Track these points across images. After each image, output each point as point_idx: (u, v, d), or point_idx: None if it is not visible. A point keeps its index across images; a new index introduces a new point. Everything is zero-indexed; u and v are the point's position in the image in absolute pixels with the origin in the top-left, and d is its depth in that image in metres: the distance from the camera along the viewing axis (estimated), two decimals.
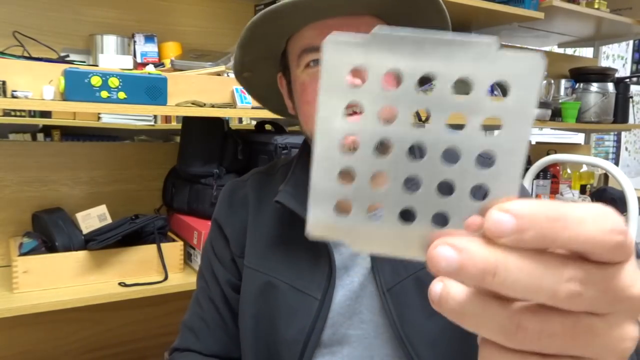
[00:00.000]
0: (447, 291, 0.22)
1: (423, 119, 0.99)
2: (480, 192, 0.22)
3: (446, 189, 0.22)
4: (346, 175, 0.22)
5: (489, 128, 0.22)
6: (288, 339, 0.74)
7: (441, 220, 0.22)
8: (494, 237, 0.20)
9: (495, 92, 2.05)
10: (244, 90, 0.99)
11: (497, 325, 0.21)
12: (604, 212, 0.20)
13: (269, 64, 0.78)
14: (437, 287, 0.22)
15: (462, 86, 0.23)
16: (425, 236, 0.22)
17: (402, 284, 0.70)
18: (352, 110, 0.23)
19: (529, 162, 2.36)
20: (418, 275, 0.70)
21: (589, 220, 0.20)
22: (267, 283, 0.76)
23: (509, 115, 0.21)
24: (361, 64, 0.21)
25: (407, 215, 0.22)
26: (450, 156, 0.22)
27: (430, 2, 0.68)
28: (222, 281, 0.83)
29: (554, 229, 0.20)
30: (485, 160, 0.22)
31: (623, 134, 4.89)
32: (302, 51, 0.70)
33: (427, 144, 0.22)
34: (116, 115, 1.23)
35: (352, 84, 0.22)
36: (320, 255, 0.74)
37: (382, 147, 0.23)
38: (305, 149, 0.82)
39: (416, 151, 0.22)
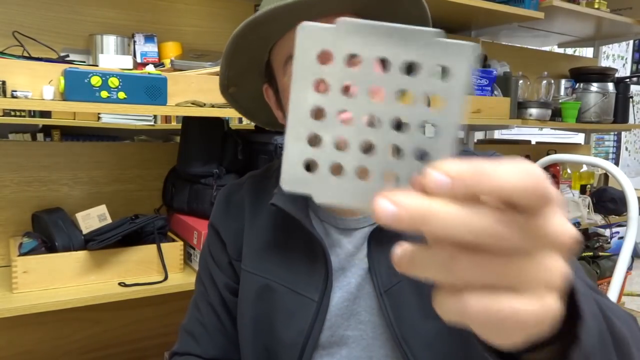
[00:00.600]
0: (402, 249, 0.26)
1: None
2: (423, 156, 0.26)
3: (397, 152, 0.27)
4: (313, 139, 0.27)
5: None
6: (286, 341, 0.74)
7: (392, 178, 0.27)
8: (432, 191, 0.24)
9: (496, 92, 2.05)
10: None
11: (438, 263, 0.25)
12: (524, 166, 0.24)
13: (254, 76, 0.78)
14: (396, 249, 0.27)
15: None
16: (377, 192, 0.26)
17: (399, 285, 0.70)
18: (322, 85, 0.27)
19: None
20: (415, 277, 0.70)
21: (509, 172, 0.24)
22: (264, 286, 0.76)
23: (447, 93, 0.26)
24: (327, 48, 0.26)
25: (364, 174, 0.27)
26: (400, 126, 0.27)
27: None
28: (220, 285, 0.83)
29: (479, 181, 0.24)
30: (429, 127, 0.26)
31: (623, 134, 4.89)
32: (287, 58, 0.69)
33: (381, 115, 0.26)
34: (116, 115, 1.23)
35: (320, 64, 0.26)
36: (317, 257, 0.74)
37: (345, 117, 0.27)
38: None
39: (373, 120, 0.27)
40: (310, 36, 0.26)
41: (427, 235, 0.25)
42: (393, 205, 0.25)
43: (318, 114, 0.27)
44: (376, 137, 0.27)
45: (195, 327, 0.85)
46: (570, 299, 0.37)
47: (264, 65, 0.75)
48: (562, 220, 0.26)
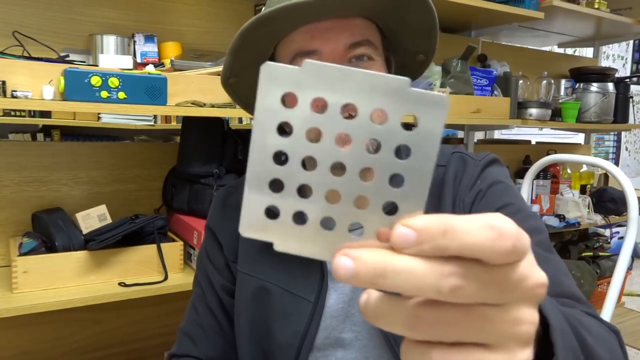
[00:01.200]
0: (367, 298, 0.26)
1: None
2: (392, 208, 0.25)
3: (363, 203, 0.26)
4: (276, 184, 0.25)
5: (400, 152, 0.25)
6: (282, 343, 0.74)
7: (357, 229, 0.26)
8: (396, 246, 0.24)
9: (496, 92, 2.05)
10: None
11: (402, 320, 0.25)
12: (491, 222, 0.23)
13: (256, 70, 0.77)
14: (362, 297, 0.26)
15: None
16: (341, 243, 0.25)
17: None
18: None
19: (529, 162, 2.36)
20: None
21: (475, 231, 0.23)
22: (260, 287, 0.77)
23: (417, 143, 0.25)
24: (292, 90, 0.25)
25: (328, 223, 0.26)
26: (367, 174, 0.25)
27: (419, 3, 0.67)
28: (217, 287, 0.84)
29: (445, 240, 0.23)
30: (398, 179, 0.25)
31: (623, 134, 4.89)
32: (294, 55, 0.69)
33: (347, 163, 0.25)
34: (116, 115, 1.23)
35: (283, 107, 0.25)
36: (312, 259, 0.73)
37: (309, 162, 0.26)
38: None
39: (340, 168, 0.26)
40: (274, 77, 0.25)
41: (389, 290, 0.24)
42: (352, 261, 0.24)
43: (280, 158, 0.25)
44: (342, 186, 0.25)
45: (193, 328, 0.85)
46: (545, 332, 0.36)
47: (268, 60, 0.75)
48: (531, 269, 0.25)
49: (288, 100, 0.25)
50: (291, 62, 0.69)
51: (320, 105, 0.25)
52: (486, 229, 0.23)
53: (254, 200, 0.26)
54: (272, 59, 0.74)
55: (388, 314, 0.25)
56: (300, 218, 0.26)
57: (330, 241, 0.26)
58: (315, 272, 0.74)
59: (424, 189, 0.25)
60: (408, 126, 0.25)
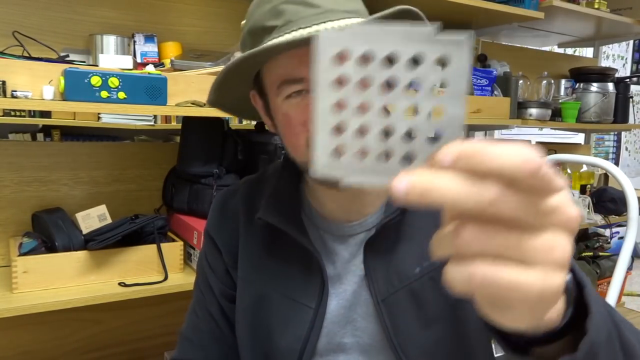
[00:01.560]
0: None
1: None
2: (436, 139, 0.30)
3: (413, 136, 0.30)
4: (338, 129, 0.30)
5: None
6: (284, 348, 0.74)
7: (410, 160, 0.31)
8: (439, 167, 0.28)
9: (496, 92, 2.05)
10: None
11: (449, 236, 0.28)
12: (522, 149, 0.26)
13: (240, 85, 0.74)
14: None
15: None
16: (396, 172, 0.29)
17: (396, 295, 0.70)
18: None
19: None
20: (412, 287, 0.70)
21: (506, 153, 0.26)
22: (260, 293, 0.76)
23: (450, 80, 0.29)
24: (343, 49, 0.29)
25: (385, 157, 0.30)
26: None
27: (409, 16, 0.64)
28: (217, 292, 0.83)
29: (479, 159, 0.27)
30: (438, 112, 0.30)
31: (623, 134, 4.89)
32: (282, 82, 0.65)
33: (396, 104, 0.30)
34: (116, 115, 1.23)
35: (338, 64, 0.29)
36: (312, 266, 0.73)
37: (363, 107, 0.30)
38: (288, 163, 0.79)
39: (390, 109, 0.30)
40: (328, 41, 0.29)
41: (435, 205, 0.27)
42: (406, 181, 0.28)
43: (340, 107, 0.30)
44: (394, 124, 0.30)
45: (194, 333, 0.85)
46: (580, 296, 0.38)
47: (253, 75, 0.72)
48: (567, 201, 0.28)
49: (340, 58, 0.29)
50: (278, 88, 0.66)
51: (367, 59, 0.29)
52: (515, 152, 0.26)
53: (323, 144, 0.30)
54: (258, 74, 0.71)
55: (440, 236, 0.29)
56: (361, 154, 0.30)
57: (387, 171, 0.30)
58: (316, 277, 0.73)
59: (460, 119, 0.30)
60: (441, 64, 0.29)
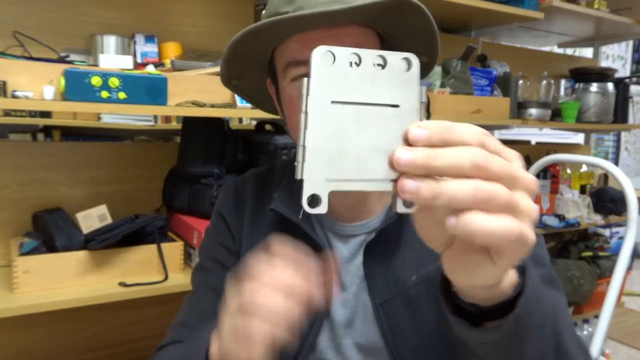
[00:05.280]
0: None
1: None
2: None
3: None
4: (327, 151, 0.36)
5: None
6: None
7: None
8: (415, 142, 0.35)
9: (495, 92, 2.05)
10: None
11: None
12: (476, 128, 0.35)
13: (257, 71, 0.77)
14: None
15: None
16: (385, 166, 0.36)
17: (395, 299, 0.71)
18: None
19: (529, 162, 2.36)
20: (408, 294, 0.70)
21: (465, 128, 0.35)
22: None
23: (405, 80, 0.37)
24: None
25: (370, 160, 0.36)
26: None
27: (414, 10, 0.65)
28: (230, 265, 0.80)
29: (446, 134, 0.34)
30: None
31: (623, 134, 4.89)
32: (287, 64, 0.68)
33: (368, 113, 0.36)
34: (116, 115, 1.23)
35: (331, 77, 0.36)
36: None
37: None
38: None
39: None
40: (322, 59, 0.36)
41: (440, 170, 0.34)
42: (410, 153, 0.34)
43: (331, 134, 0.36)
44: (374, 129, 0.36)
45: (191, 316, 0.81)
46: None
47: (267, 63, 0.74)
48: (523, 169, 0.36)
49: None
50: (284, 70, 0.69)
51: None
52: (471, 129, 0.35)
53: (315, 174, 0.35)
54: (272, 61, 0.73)
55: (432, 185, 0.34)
56: (351, 163, 0.36)
57: (379, 168, 0.36)
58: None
59: (415, 105, 0.37)
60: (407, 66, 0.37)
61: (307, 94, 0.35)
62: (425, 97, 0.37)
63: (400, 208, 0.36)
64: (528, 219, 0.34)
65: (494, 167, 0.33)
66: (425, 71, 0.80)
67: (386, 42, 0.71)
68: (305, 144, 0.34)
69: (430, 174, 0.33)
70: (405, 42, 0.71)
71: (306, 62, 0.66)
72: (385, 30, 0.70)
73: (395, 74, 0.36)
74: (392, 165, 0.35)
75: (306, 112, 0.35)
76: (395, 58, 0.36)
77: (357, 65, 0.35)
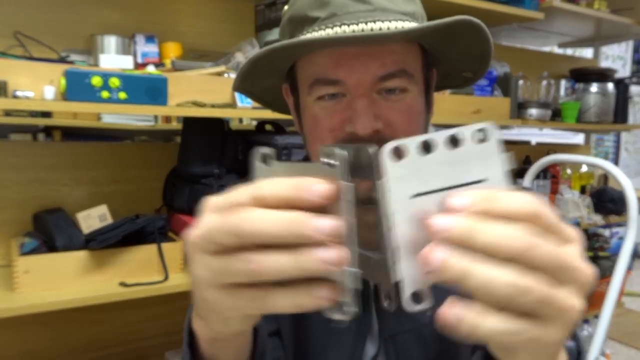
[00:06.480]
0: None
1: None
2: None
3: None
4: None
5: None
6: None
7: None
8: (454, 211, 0.31)
9: (496, 93, 2.05)
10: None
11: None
12: (528, 197, 0.31)
13: (273, 78, 0.70)
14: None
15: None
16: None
17: (405, 335, 0.68)
18: None
19: (529, 162, 2.36)
20: (420, 330, 0.68)
21: (513, 199, 0.30)
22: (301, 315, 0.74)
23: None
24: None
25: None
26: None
27: (476, 32, 0.58)
28: None
29: (488, 205, 0.30)
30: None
31: (623, 134, 4.89)
32: (315, 80, 0.60)
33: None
34: (117, 115, 1.23)
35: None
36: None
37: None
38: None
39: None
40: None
41: (479, 248, 0.30)
42: (446, 218, 0.30)
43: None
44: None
45: None
46: None
47: (287, 70, 0.67)
48: (582, 258, 0.31)
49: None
50: (310, 87, 0.61)
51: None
52: (521, 197, 0.30)
53: (412, 271, 0.33)
54: (291, 72, 0.66)
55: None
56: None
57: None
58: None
59: (500, 176, 0.34)
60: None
61: (385, 197, 0.32)
62: (510, 165, 0.34)
63: (408, 305, 0.32)
64: (562, 319, 0.30)
65: (537, 256, 0.29)
66: (464, 84, 0.77)
67: (429, 55, 0.65)
68: (394, 244, 0.32)
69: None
70: (454, 57, 0.65)
71: (338, 83, 0.60)
72: (431, 44, 0.63)
73: (472, 148, 0.33)
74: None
75: (387, 215, 0.32)
76: (468, 133, 0.33)
77: (428, 151, 0.33)
